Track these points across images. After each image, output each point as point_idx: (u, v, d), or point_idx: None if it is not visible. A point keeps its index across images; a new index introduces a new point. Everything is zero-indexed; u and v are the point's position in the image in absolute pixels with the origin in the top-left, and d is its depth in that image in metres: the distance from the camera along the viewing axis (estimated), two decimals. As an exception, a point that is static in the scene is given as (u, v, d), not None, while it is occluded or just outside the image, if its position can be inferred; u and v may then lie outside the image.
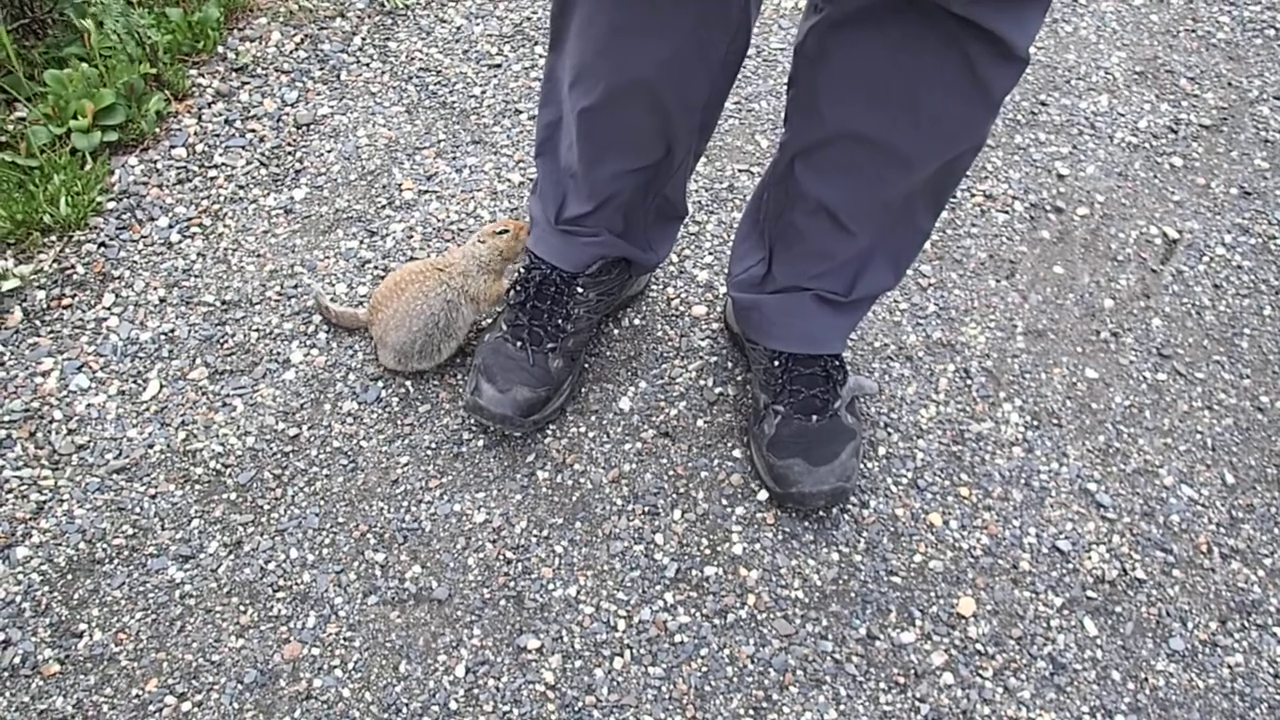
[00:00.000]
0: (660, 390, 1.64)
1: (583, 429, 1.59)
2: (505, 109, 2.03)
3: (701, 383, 1.65)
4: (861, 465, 1.55)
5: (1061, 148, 2.06)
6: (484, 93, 2.06)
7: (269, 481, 1.52)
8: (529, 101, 2.04)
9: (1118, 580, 1.48)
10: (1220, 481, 1.59)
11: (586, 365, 1.66)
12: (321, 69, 2.08)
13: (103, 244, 1.77)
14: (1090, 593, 1.46)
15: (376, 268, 1.77)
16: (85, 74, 1.92)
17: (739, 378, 1.66)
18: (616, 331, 1.71)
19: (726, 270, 1.63)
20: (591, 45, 1.30)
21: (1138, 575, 1.48)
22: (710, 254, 1.82)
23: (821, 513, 1.51)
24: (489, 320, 1.67)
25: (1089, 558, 1.50)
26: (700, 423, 1.61)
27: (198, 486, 1.51)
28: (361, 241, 1.81)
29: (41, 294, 1.70)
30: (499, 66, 2.11)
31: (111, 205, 1.82)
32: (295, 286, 1.74)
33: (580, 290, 1.56)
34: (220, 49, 2.10)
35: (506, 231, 1.56)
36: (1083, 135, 2.09)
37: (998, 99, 1.25)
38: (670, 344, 1.70)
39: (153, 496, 1.50)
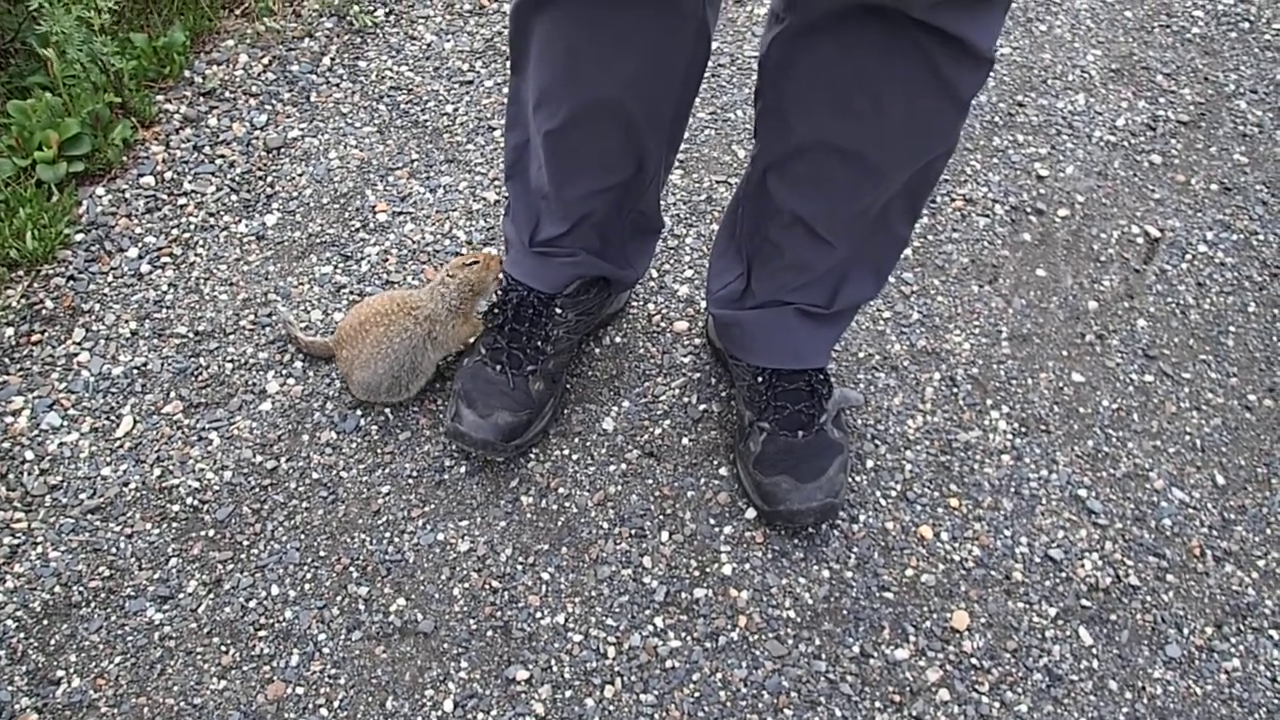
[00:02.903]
0: (644, 409, 1.62)
1: (566, 451, 1.57)
2: (478, 126, 2.01)
3: (685, 400, 1.63)
4: (850, 479, 1.53)
5: (1040, 148, 2.05)
6: (456, 110, 2.04)
7: (248, 517, 1.49)
8: (502, 118, 2.01)
9: (1111, 588, 1.46)
10: (1211, 483, 1.58)
11: (568, 386, 1.63)
12: (291, 90, 2.05)
13: (71, 277, 1.74)
14: (1084, 601, 1.45)
15: (352, 292, 1.74)
16: (49, 103, 1.89)
17: (723, 394, 1.64)
18: (598, 350, 1.69)
19: (705, 285, 1.60)
20: (551, 68, 1.28)
21: (1131, 582, 1.47)
22: (690, 268, 1.80)
23: (811, 529, 1.49)
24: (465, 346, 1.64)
25: (1082, 565, 1.48)
26: (685, 441, 1.58)
27: (175, 524, 1.48)
28: (336, 266, 1.78)
29: (10, 331, 1.67)
30: (470, 83, 2.09)
31: (80, 237, 1.79)
32: (270, 315, 1.71)
33: (559, 311, 1.54)
34: (187, 73, 2.07)
35: (476, 263, 1.53)
36: (1061, 135, 2.08)
37: (965, 101, 1.23)
38: (653, 361, 1.68)
39: (129, 536, 1.46)
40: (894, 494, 1.54)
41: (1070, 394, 1.67)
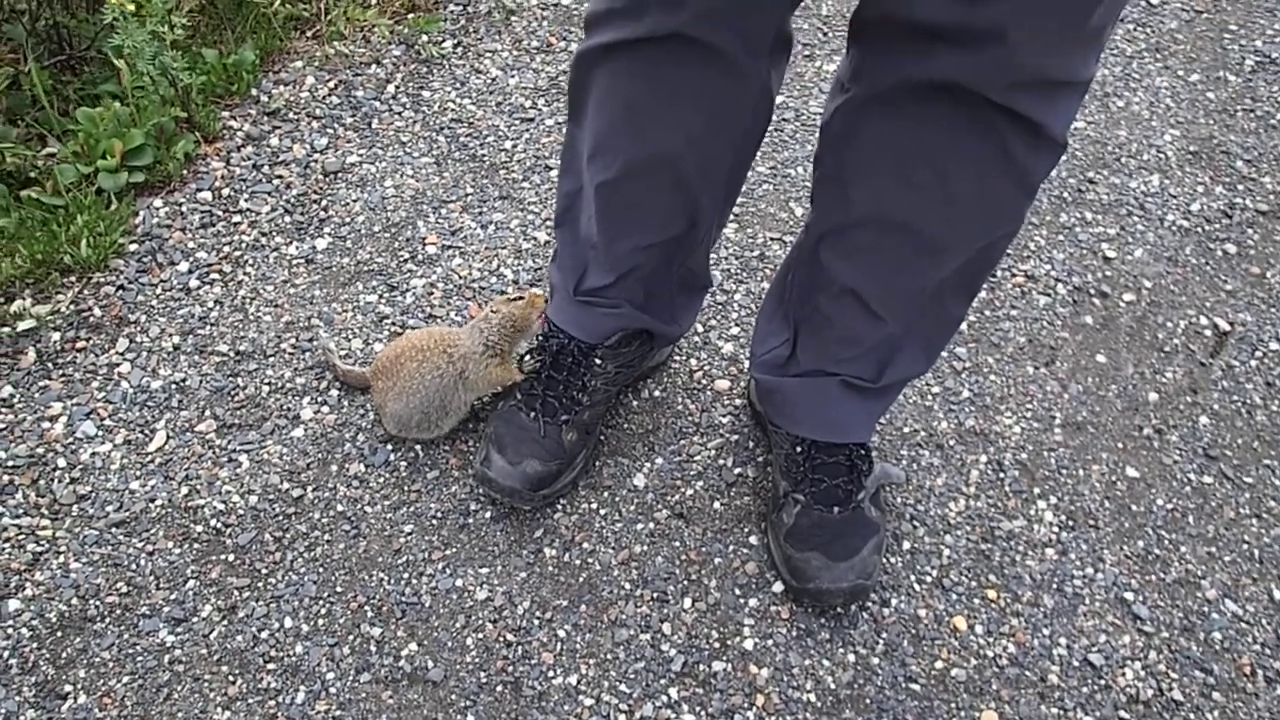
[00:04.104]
0: (677, 468, 1.58)
1: (594, 505, 1.53)
2: (535, 164, 2.00)
3: (721, 462, 1.59)
4: (884, 560, 1.48)
5: (1109, 228, 1.99)
6: (515, 147, 2.03)
7: (269, 544, 1.47)
8: (559, 158, 2.00)
9: (1153, 701, 1.39)
10: (1267, 597, 1.50)
11: (602, 438, 1.60)
12: (353, 116, 2.06)
13: (121, 287, 1.75)
14: (1123, 713, 1.37)
15: (394, 324, 1.73)
16: (116, 113, 1.91)
17: (760, 459, 1.60)
18: (635, 403, 1.65)
19: (750, 348, 1.57)
20: (609, 120, 1.26)
21: (1175, 696, 1.39)
22: (737, 325, 1.76)
23: (839, 610, 1.43)
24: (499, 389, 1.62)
25: (1123, 674, 1.41)
26: (717, 505, 1.54)
27: (196, 545, 1.46)
28: (381, 296, 1.77)
29: (56, 335, 1.68)
30: (531, 120, 2.08)
31: (133, 247, 1.80)
32: (311, 340, 1.70)
33: (598, 361, 1.51)
34: (254, 91, 2.09)
35: (520, 299, 1.51)
36: (1131, 216, 2.02)
37: (1034, 184, 1.19)
38: (690, 419, 1.64)
39: (150, 553, 1.45)
40: (929, 580, 1.48)
41: (1123, 489, 1.61)
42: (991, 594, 1.47)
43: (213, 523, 1.49)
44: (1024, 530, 1.54)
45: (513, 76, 2.17)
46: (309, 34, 2.24)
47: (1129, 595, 1.49)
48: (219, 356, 1.67)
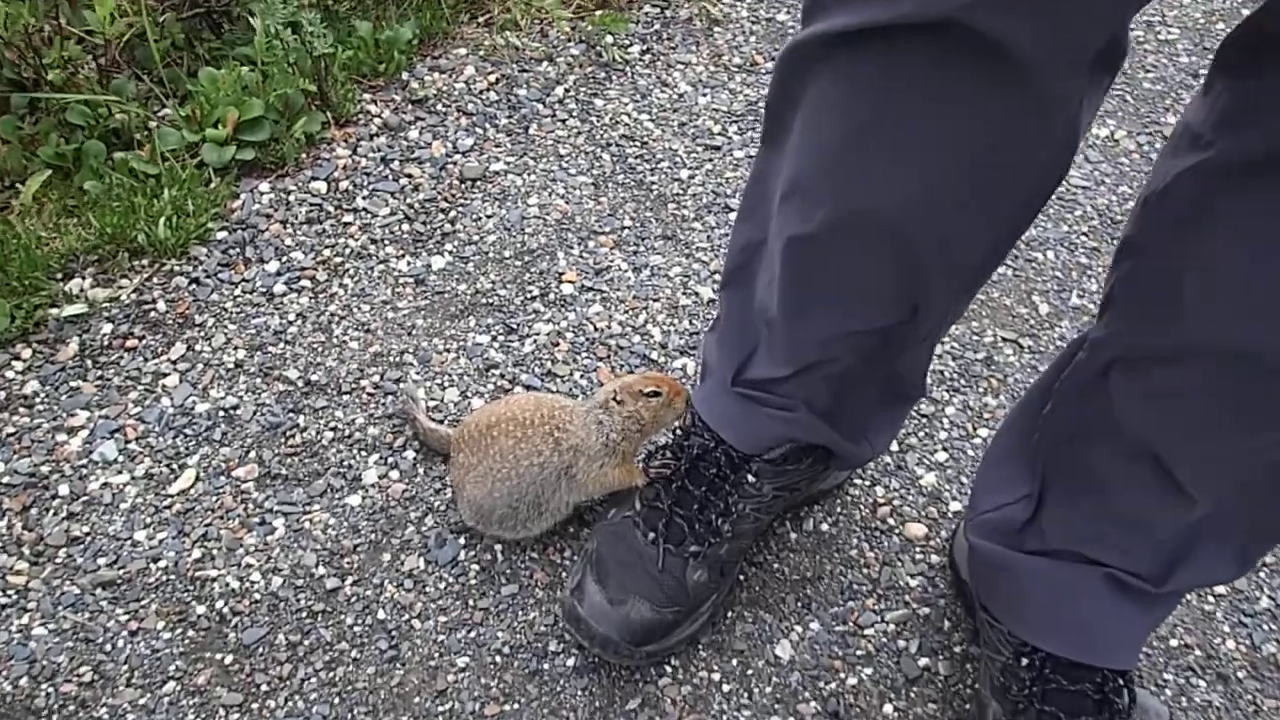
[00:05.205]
0: (839, 641, 1.14)
1: (716, 676, 1.11)
2: (713, 202, 1.60)
3: (901, 644, 1.14)
4: None
5: None
6: (692, 178, 1.64)
7: (280, 650, 1.11)
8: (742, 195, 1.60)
9: None
10: None
11: (741, 578, 1.18)
12: (510, 117, 1.72)
13: (196, 280, 1.45)
14: None
15: (503, 376, 1.36)
16: (242, 78, 1.63)
17: (959, 650, 1.13)
18: (794, 537, 1.22)
19: (969, 496, 1.11)
20: (819, 146, 0.86)
21: None
22: (945, 450, 1.31)
23: None
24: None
25: None
26: (888, 709, 1.09)
27: (191, 633, 1.12)
28: (495, 338, 1.41)
29: (108, 328, 1.39)
30: (718, 149, 1.69)
31: (222, 235, 1.50)
32: (398, 381, 1.35)
33: (752, 479, 1.09)
34: (404, 75, 1.78)
35: (658, 395, 1.11)
36: None
37: None
38: (866, 572, 1.19)
39: (133, 633, 1.12)
40: None
41: None
42: None
43: (219, 605, 1.14)
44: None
45: (704, 95, 1.79)
46: (480, 19, 1.92)
47: None
48: (285, 385, 1.34)
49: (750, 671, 1.11)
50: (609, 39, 1.87)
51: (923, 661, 1.13)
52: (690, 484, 1.10)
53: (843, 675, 1.11)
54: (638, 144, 1.69)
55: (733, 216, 1.58)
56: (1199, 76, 1.82)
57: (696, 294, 1.48)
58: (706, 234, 1.56)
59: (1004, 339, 1.44)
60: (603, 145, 1.69)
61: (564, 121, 1.73)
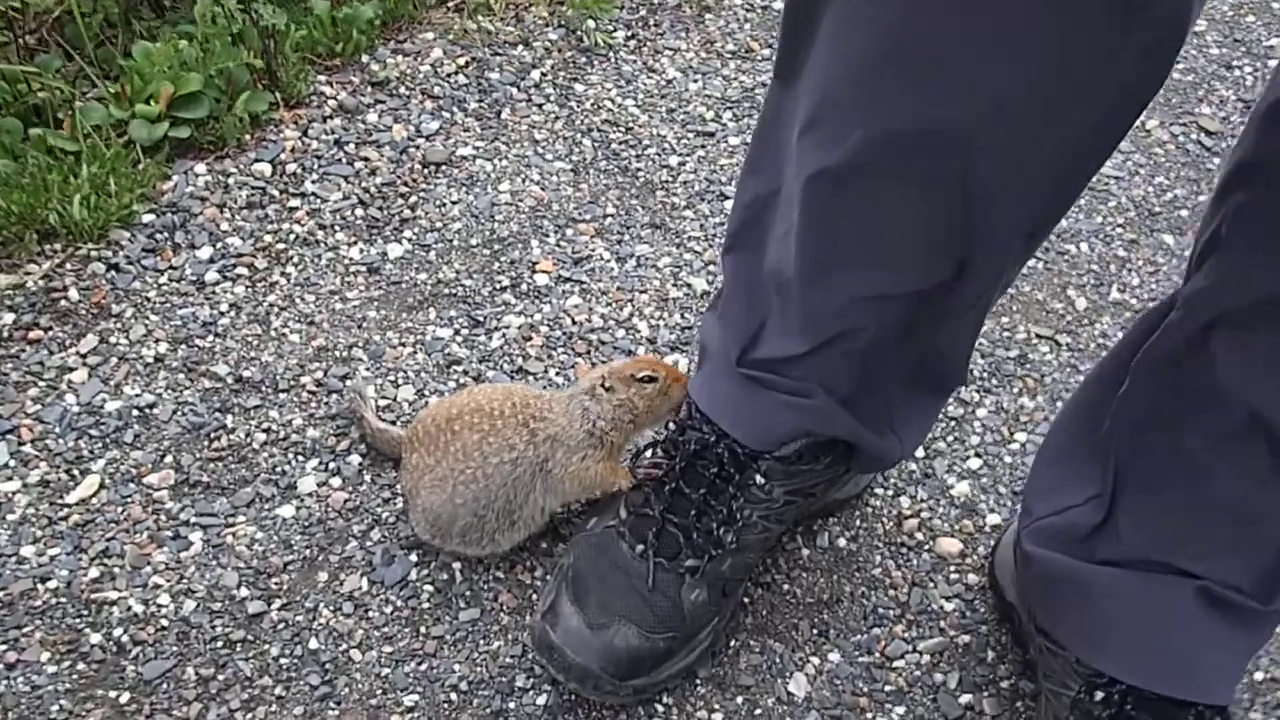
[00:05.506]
0: (864, 675, 0.95)
1: (719, 717, 0.92)
2: (706, 190, 1.44)
3: (937, 678, 0.95)
4: None
5: None
6: (683, 165, 1.48)
7: (188, 685, 0.91)
8: (748, 150, 1.44)
9: None
10: None
11: (745, 602, 0.99)
12: (480, 101, 1.56)
13: (116, 267, 1.27)
14: None
15: (467, 373, 1.18)
16: (181, 52, 1.46)
17: (1005, 684, 0.95)
18: (806, 553, 1.04)
19: (1021, 500, 0.94)
20: (844, 68, 0.69)
21: None
22: (978, 455, 1.14)
23: None
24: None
25: None
26: (925, 757, 0.90)
27: (82, 665, 0.92)
28: (459, 331, 1.23)
29: (9, 317, 1.20)
30: (711, 135, 1.53)
31: (149, 218, 1.32)
32: (345, 378, 1.16)
33: (760, 481, 0.91)
34: (364, 57, 1.61)
35: (653, 380, 0.93)
36: None
37: None
38: (893, 594, 1.01)
39: (10, 665, 0.92)
40: None
41: None
42: None
43: (118, 633, 0.94)
44: None
45: (695, 81, 1.63)
46: (450, 3, 1.77)
47: None
48: (212, 381, 1.15)
49: (759, 711, 0.92)
50: (591, 23, 1.72)
51: (965, 699, 0.94)
52: (686, 486, 0.92)
53: (869, 715, 0.92)
54: (622, 130, 1.53)
55: (729, 205, 1.42)
56: (1230, 67, 1.69)
57: (689, 285, 1.31)
58: (699, 223, 1.40)
59: (1039, 335, 1.27)
60: (583, 131, 1.53)
61: (540, 106, 1.57)
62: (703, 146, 1.51)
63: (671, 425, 0.96)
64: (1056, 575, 0.84)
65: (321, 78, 1.57)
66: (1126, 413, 0.80)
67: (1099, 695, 0.80)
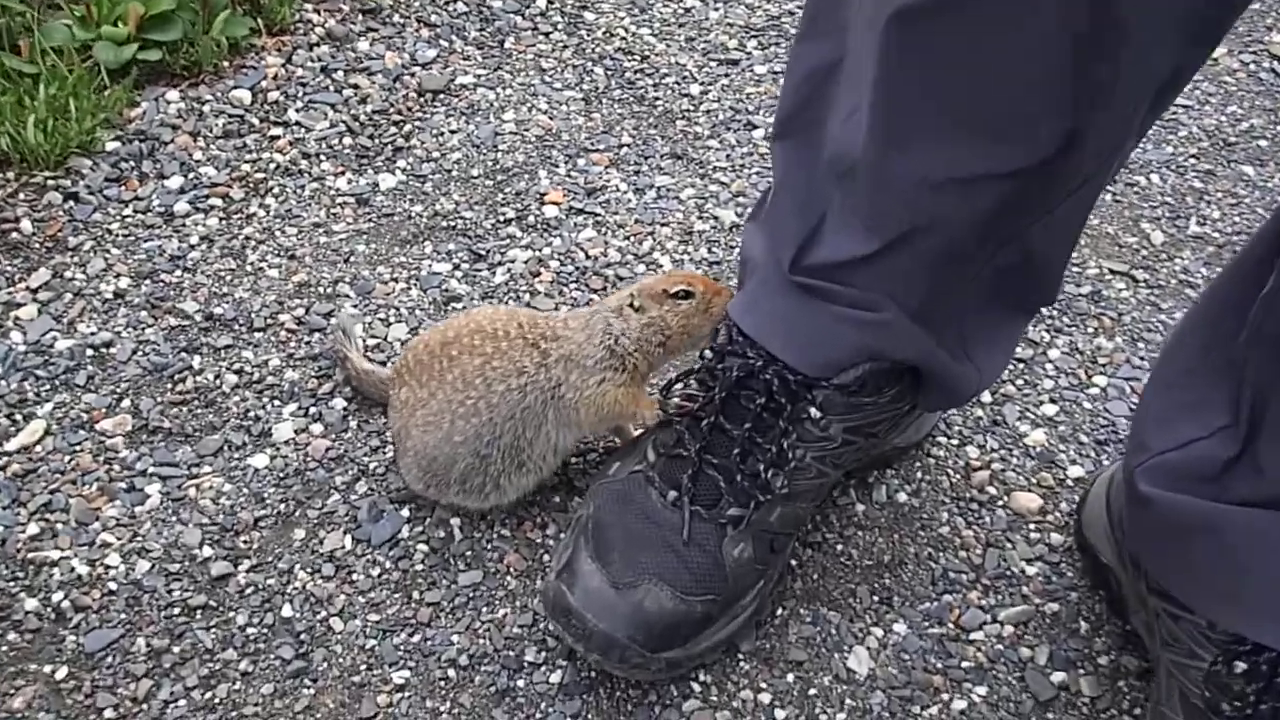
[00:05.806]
0: (936, 649, 0.81)
1: (766, 698, 0.77)
2: (732, 119, 1.30)
3: (1024, 653, 0.81)
4: None
5: None
6: (705, 94, 1.33)
7: (137, 658, 0.77)
8: (770, 113, 1.30)
9: None
10: None
11: (793, 564, 0.85)
12: (481, 29, 1.42)
13: (74, 196, 1.13)
14: None
15: (467, 311, 1.04)
16: (153, -28, 1.32)
17: (1104, 660, 0.81)
18: (862, 509, 0.90)
19: (1130, 435, 0.79)
20: None
21: None
22: (1054, 401, 0.99)
23: None
24: (621, 437, 0.89)
25: None
26: (1014, 742, 0.76)
27: (13, 635, 0.78)
28: (457, 266, 1.09)
29: (-48, 250, 1.06)
30: (735, 64, 1.39)
31: (114, 145, 1.18)
32: (329, 315, 1.02)
33: (815, 414, 0.77)
34: (355, -16, 1.47)
35: (689, 296, 0.79)
36: None
37: None
38: (964, 556, 0.87)
39: (-71, 637, 0.77)
40: None
41: None
42: None
43: (57, 598, 0.80)
44: None
45: (716, 9, 1.49)
46: (448, -67, 1.62)
47: None
48: (178, 319, 1.01)
49: (813, 691, 0.78)
50: (601, -49, 1.57)
51: (1057, 677, 0.79)
52: (727, 422, 0.78)
53: (945, 696, 0.78)
54: (637, 58, 1.39)
55: (755, 136, 1.28)
56: (1301, -8, 1.55)
57: (715, 218, 1.16)
58: (725, 153, 1.25)
59: (1113, 271, 1.13)
60: (594, 59, 1.38)
61: (547, 35, 1.42)
62: (726, 75, 1.37)
63: (707, 354, 0.81)
64: (1182, 520, 0.70)
65: (309, 5, 1.43)
66: (1271, 318, 0.66)
67: (1240, 666, 0.66)
